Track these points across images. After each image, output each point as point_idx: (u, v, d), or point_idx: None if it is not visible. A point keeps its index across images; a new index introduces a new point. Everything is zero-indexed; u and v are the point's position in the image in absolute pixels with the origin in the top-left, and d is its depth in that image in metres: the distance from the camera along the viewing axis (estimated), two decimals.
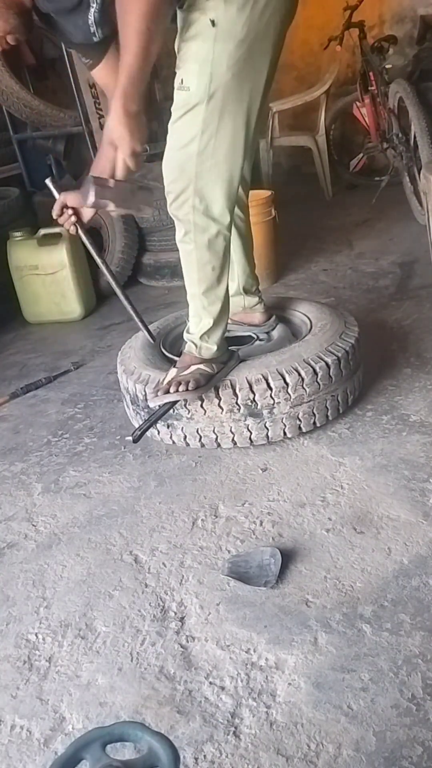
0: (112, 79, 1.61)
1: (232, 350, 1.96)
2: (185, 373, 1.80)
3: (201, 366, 1.80)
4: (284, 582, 1.42)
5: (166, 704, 1.20)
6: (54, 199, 1.73)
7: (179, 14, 1.56)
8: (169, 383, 1.79)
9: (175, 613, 1.40)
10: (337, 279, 3.27)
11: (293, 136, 5.09)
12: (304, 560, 1.48)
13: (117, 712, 1.21)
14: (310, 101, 4.78)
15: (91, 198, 1.59)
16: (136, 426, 2.09)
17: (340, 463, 1.80)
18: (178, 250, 1.77)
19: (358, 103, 4.48)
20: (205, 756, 1.10)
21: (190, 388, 1.76)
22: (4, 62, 3.87)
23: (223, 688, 1.21)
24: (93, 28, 1.52)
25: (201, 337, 1.82)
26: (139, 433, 1.77)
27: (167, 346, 2.12)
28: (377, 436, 1.90)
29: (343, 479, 1.74)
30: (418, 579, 1.38)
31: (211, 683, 1.23)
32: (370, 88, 4.36)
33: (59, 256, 3.22)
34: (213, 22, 1.46)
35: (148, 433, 2.01)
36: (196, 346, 1.83)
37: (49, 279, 3.26)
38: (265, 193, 3.33)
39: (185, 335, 1.88)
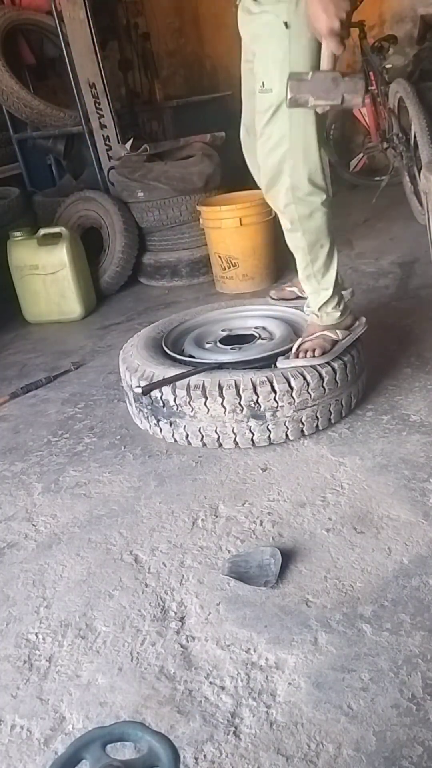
0: None
1: (356, 316, 2.00)
2: (309, 340, 1.88)
3: (325, 333, 1.89)
4: (284, 582, 1.42)
5: (166, 704, 1.20)
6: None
7: (248, 17, 1.60)
8: (297, 350, 1.88)
9: (175, 613, 1.40)
10: None
11: None
12: (304, 560, 1.48)
13: (117, 711, 1.21)
14: None
15: (289, 94, 1.50)
16: (139, 424, 2.10)
17: (340, 463, 1.80)
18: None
19: None
20: (205, 756, 1.10)
21: (316, 354, 1.85)
22: (4, 62, 3.87)
23: (223, 688, 1.21)
24: None
25: (320, 309, 1.90)
26: (150, 387, 1.80)
27: (169, 345, 2.12)
28: (377, 436, 1.90)
29: (343, 479, 1.74)
30: (418, 579, 1.38)
31: (211, 683, 1.23)
32: (370, 87, 4.35)
33: (59, 256, 3.22)
34: (286, 24, 1.51)
35: (149, 431, 2.02)
36: (318, 316, 1.92)
37: (49, 279, 3.26)
38: None
39: (305, 309, 1.97)
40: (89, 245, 3.50)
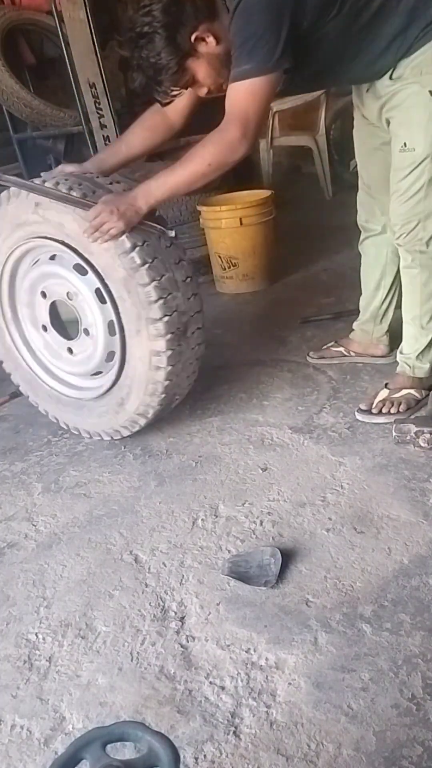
0: (155, 123, 1.91)
1: None
2: (398, 395, 1.96)
3: (412, 391, 1.97)
4: (284, 582, 1.42)
5: (166, 704, 1.20)
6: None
7: (376, 99, 1.80)
8: (383, 402, 1.94)
9: (175, 613, 1.40)
10: (337, 278, 3.26)
11: (293, 136, 5.08)
12: (304, 560, 1.48)
13: (117, 711, 1.21)
14: (310, 101, 4.77)
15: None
16: None
17: (340, 463, 1.80)
18: None
19: None
20: (205, 756, 1.10)
21: (401, 410, 1.93)
22: (4, 62, 3.87)
23: (223, 688, 1.21)
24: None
25: (417, 357, 1.96)
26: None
27: None
28: (377, 436, 1.90)
29: (343, 479, 1.74)
30: (418, 579, 1.38)
31: (211, 683, 1.23)
32: None
33: None
34: (431, 93, 1.67)
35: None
36: (410, 366, 1.98)
37: None
38: (265, 193, 3.33)
39: (398, 357, 2.01)
40: None
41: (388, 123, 1.81)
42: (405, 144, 1.74)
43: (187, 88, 1.69)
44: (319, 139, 4.76)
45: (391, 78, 1.72)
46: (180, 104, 1.83)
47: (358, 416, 1.96)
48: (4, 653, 1.37)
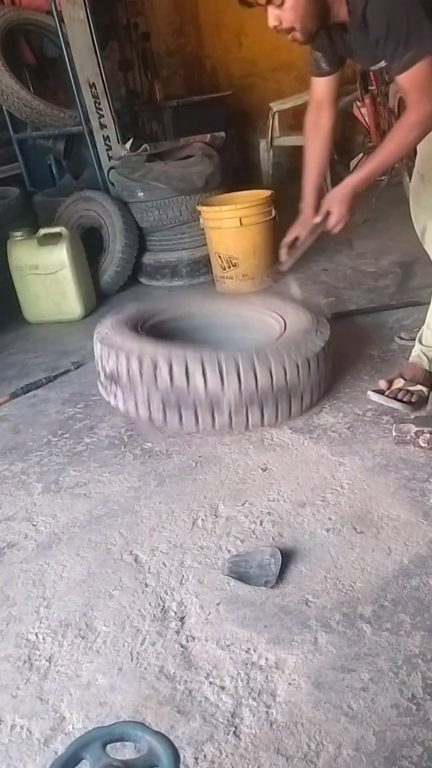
0: (324, 92, 1.96)
1: None
2: (413, 388, 1.98)
3: (423, 389, 1.99)
4: (284, 582, 1.42)
5: (166, 704, 1.20)
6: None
7: None
8: (399, 389, 1.98)
9: (175, 613, 1.40)
10: (338, 279, 3.27)
11: (293, 136, 5.08)
12: (304, 560, 1.48)
13: (117, 711, 1.21)
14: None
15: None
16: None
17: (340, 463, 1.80)
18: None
19: (358, 102, 4.47)
20: (205, 756, 1.10)
21: (413, 400, 1.96)
22: (4, 62, 3.87)
23: (223, 688, 1.21)
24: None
25: None
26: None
27: (144, 331, 2.14)
28: (377, 436, 1.90)
29: (343, 479, 1.74)
30: (418, 579, 1.38)
31: (211, 683, 1.23)
32: (370, 87, 4.36)
33: (59, 256, 3.22)
34: None
35: (145, 416, 2.00)
36: (428, 358, 1.99)
37: (49, 279, 3.26)
38: (266, 193, 3.34)
39: (417, 345, 2.01)
40: (89, 245, 3.49)
41: None
42: None
43: (268, 2, 1.59)
44: None
45: None
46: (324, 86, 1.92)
47: (372, 396, 1.98)
48: (4, 653, 1.37)
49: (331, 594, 1.37)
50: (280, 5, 1.60)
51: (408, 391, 1.96)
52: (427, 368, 1.99)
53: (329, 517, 1.60)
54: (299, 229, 1.98)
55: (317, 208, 1.94)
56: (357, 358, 2.36)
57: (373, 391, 1.99)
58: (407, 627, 1.27)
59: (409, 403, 1.94)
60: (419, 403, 1.96)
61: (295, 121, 5.22)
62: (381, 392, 1.99)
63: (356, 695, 1.15)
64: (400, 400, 1.95)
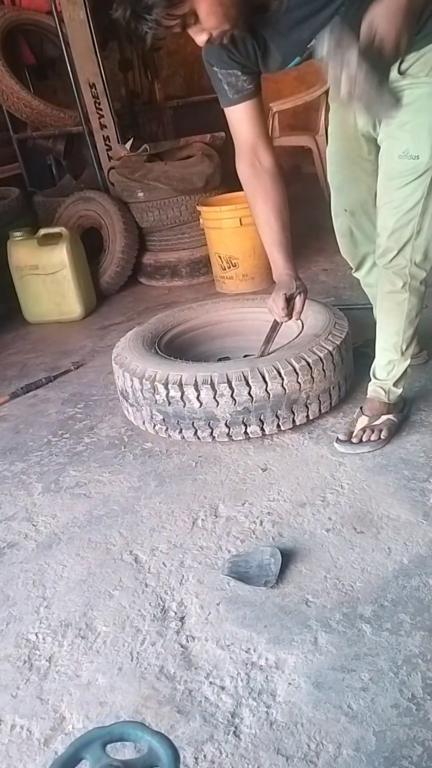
0: (253, 125, 1.75)
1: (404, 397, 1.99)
2: (377, 422, 1.87)
3: (390, 416, 1.89)
4: (284, 582, 1.42)
5: (166, 704, 1.20)
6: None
7: (393, 81, 1.54)
8: (363, 430, 1.86)
9: (175, 613, 1.40)
10: (338, 279, 3.27)
11: (293, 136, 5.09)
12: (304, 560, 1.48)
13: (117, 711, 1.21)
14: (310, 101, 4.78)
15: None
16: (137, 423, 2.10)
17: (340, 463, 1.80)
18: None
19: None
20: (205, 756, 1.10)
21: (382, 437, 1.85)
22: (4, 62, 3.88)
23: (223, 688, 1.21)
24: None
25: (394, 384, 1.88)
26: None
27: (161, 348, 2.13)
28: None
29: (343, 479, 1.74)
30: (418, 579, 1.38)
31: (211, 683, 1.23)
32: None
33: (59, 256, 3.22)
34: None
35: (152, 431, 2.02)
36: (384, 392, 1.89)
37: (49, 279, 3.26)
38: None
39: (373, 382, 1.92)
40: (89, 245, 3.50)
41: (379, 124, 1.65)
42: (407, 150, 1.58)
43: (184, 28, 1.40)
44: (319, 139, 4.76)
45: (399, 72, 1.52)
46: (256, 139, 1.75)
47: (339, 447, 1.85)
48: (4, 653, 1.37)
49: (331, 594, 1.38)
50: (196, 21, 1.40)
51: (373, 428, 1.86)
52: (386, 401, 1.89)
53: (329, 517, 1.60)
54: (279, 301, 1.90)
55: (294, 268, 1.88)
56: (357, 357, 2.35)
57: (338, 441, 1.87)
58: (407, 627, 1.27)
59: (378, 440, 1.84)
60: (392, 434, 1.88)
61: (295, 121, 5.23)
62: (347, 441, 1.86)
63: (356, 695, 1.15)
64: (367, 441, 1.85)
